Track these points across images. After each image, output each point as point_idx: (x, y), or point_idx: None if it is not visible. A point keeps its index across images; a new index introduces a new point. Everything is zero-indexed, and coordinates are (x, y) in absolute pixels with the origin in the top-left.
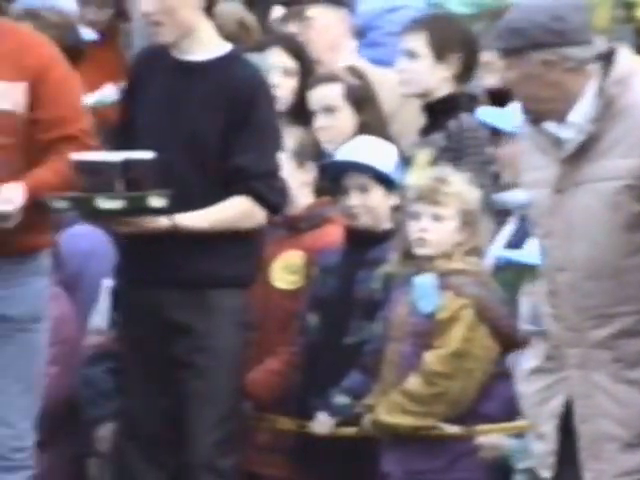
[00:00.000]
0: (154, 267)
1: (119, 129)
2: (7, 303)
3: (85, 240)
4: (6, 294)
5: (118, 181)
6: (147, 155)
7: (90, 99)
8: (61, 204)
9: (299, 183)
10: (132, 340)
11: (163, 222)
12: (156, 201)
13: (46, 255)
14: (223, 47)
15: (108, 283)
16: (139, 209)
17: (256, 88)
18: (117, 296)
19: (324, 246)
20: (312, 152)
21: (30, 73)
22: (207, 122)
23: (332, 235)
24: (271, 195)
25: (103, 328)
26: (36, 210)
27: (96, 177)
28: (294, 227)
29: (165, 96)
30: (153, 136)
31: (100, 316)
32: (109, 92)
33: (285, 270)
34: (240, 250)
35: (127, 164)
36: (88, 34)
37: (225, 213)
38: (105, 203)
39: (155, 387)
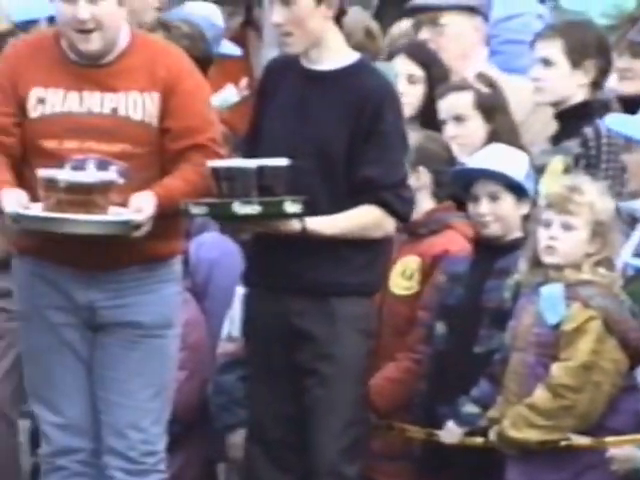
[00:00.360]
0: (280, 274)
1: (249, 137)
2: (138, 309)
3: (213, 248)
4: (137, 300)
5: (253, 187)
6: (281, 162)
7: (214, 101)
8: (199, 210)
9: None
10: (258, 346)
11: (295, 225)
12: (291, 207)
13: (177, 262)
14: (351, 56)
15: (241, 291)
16: (275, 214)
17: (384, 97)
18: (245, 303)
19: (440, 252)
20: (424, 157)
21: (162, 84)
22: (335, 131)
23: (450, 241)
24: (400, 205)
25: (236, 336)
26: (167, 218)
27: (231, 183)
28: (414, 232)
29: (294, 105)
30: (282, 144)
31: (233, 324)
32: (230, 93)
33: (402, 276)
34: (366, 258)
35: (261, 170)
36: (232, 49)
37: (355, 221)
38: (242, 208)
39: (281, 393)
